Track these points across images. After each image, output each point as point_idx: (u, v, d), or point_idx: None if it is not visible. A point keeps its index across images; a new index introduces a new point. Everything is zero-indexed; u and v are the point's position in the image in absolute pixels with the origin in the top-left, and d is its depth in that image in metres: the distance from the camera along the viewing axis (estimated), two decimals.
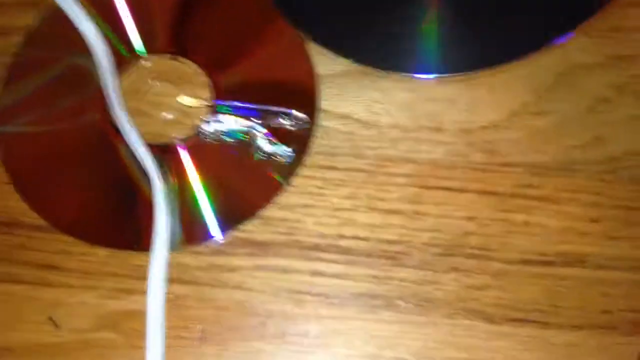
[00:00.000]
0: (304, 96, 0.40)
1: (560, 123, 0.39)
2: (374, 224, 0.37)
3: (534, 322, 0.35)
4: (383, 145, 0.39)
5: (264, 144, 0.38)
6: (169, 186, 0.38)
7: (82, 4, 0.42)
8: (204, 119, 0.39)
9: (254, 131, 0.39)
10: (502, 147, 0.39)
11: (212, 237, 0.37)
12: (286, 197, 0.38)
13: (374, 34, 0.42)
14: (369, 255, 0.36)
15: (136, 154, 0.38)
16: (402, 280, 0.36)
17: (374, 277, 0.36)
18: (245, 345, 0.35)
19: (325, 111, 0.40)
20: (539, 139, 0.39)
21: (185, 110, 0.40)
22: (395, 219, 0.37)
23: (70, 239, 0.37)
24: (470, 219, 0.37)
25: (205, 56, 0.41)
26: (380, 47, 0.41)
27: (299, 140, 0.39)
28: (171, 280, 0.36)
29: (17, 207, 0.38)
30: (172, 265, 0.36)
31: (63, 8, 0.42)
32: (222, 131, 0.39)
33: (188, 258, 0.37)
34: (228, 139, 0.39)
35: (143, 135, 0.38)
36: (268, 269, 0.36)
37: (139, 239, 0.37)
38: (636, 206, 0.37)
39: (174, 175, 0.38)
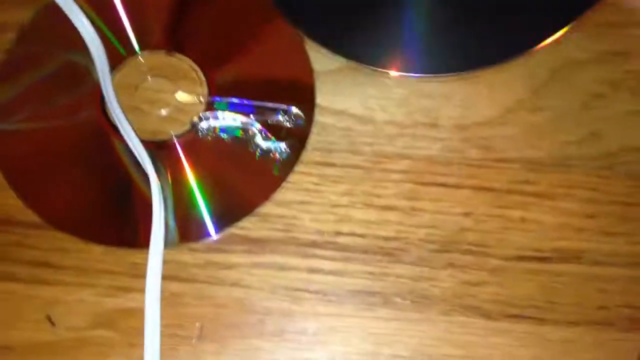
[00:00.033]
0: (301, 93, 0.40)
1: (555, 119, 0.39)
2: (370, 221, 0.37)
3: (530, 318, 0.35)
4: (379, 141, 0.39)
5: (261, 141, 0.38)
6: (165, 183, 0.37)
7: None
8: (200, 115, 0.39)
9: (251, 128, 0.39)
10: (498, 143, 0.39)
11: (209, 234, 0.37)
12: (283, 194, 0.38)
13: (370, 33, 0.42)
14: (365, 251, 0.36)
15: (132, 150, 0.38)
16: (399, 276, 0.36)
17: (371, 273, 0.36)
18: (244, 342, 0.35)
19: (321, 107, 0.40)
20: (534, 135, 0.39)
21: (181, 107, 0.40)
22: (391, 216, 0.37)
23: (66, 236, 0.37)
24: (466, 215, 0.37)
25: (202, 52, 0.41)
26: (376, 46, 0.41)
27: (296, 137, 0.39)
28: (168, 277, 0.36)
29: (12, 204, 0.38)
30: (168, 263, 0.36)
31: (58, 3, 0.42)
32: (218, 127, 0.39)
33: (185, 255, 0.36)
34: (224, 136, 0.39)
35: (139, 132, 0.38)
36: (265, 266, 0.36)
37: (135, 236, 0.37)
38: (632, 202, 0.37)
39: (170, 172, 0.38)
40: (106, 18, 0.42)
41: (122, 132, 0.38)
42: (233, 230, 0.37)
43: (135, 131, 0.38)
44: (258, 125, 0.39)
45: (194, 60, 0.41)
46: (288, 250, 0.37)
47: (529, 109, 0.40)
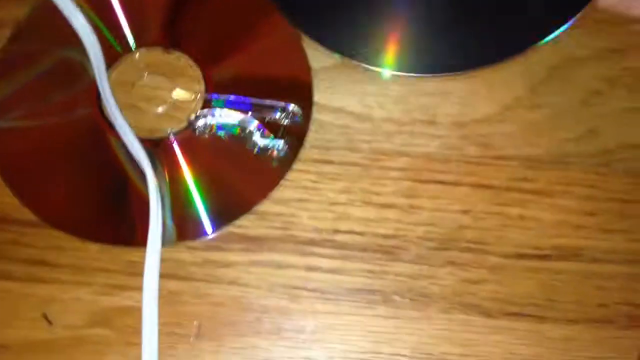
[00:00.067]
0: (299, 90, 0.40)
1: (553, 116, 0.39)
2: (369, 218, 0.37)
3: (530, 316, 0.35)
4: (377, 138, 0.39)
5: (258, 138, 0.38)
6: (162, 181, 0.37)
7: None
8: (198, 112, 0.39)
9: (248, 125, 0.38)
10: (496, 140, 0.39)
11: (206, 232, 0.37)
12: (281, 192, 0.38)
13: (367, 31, 0.41)
14: (364, 249, 0.36)
15: (129, 148, 0.38)
16: (397, 274, 0.36)
17: (370, 271, 0.36)
18: (241, 341, 0.35)
19: (318, 104, 0.40)
20: (532, 132, 0.39)
21: (178, 104, 0.40)
22: (390, 213, 0.37)
23: (62, 234, 0.37)
24: (465, 212, 0.37)
25: (199, 49, 0.41)
26: (373, 45, 0.41)
27: (294, 134, 0.38)
28: (165, 276, 0.36)
29: (8, 202, 0.37)
30: (166, 261, 0.36)
31: (54, 0, 0.41)
32: (215, 125, 0.39)
33: (182, 254, 0.36)
34: (222, 133, 0.39)
35: (135, 130, 0.38)
36: (263, 264, 0.36)
37: (132, 234, 0.36)
38: (630, 199, 0.37)
39: (167, 170, 0.38)
40: (102, 14, 0.41)
41: (118, 129, 0.38)
42: (231, 228, 0.37)
43: (132, 129, 0.38)
44: (256, 123, 0.38)
45: (191, 57, 0.41)
46: (286, 249, 0.36)
47: (527, 107, 0.39)
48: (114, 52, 0.41)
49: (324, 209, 0.37)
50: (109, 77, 0.40)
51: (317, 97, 0.40)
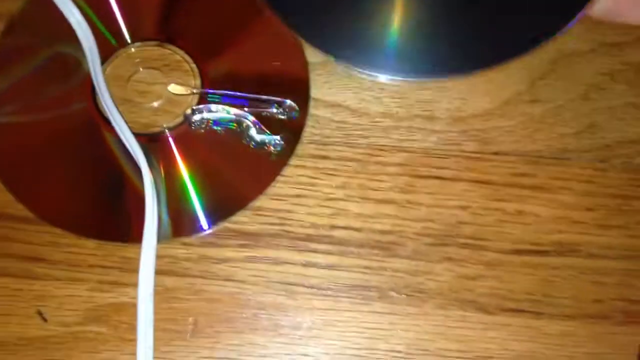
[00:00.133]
0: (296, 85, 0.39)
1: (553, 111, 0.39)
2: (366, 214, 0.37)
3: (526, 312, 0.35)
4: (375, 134, 0.39)
5: (255, 134, 0.38)
6: (157, 176, 0.37)
7: None
8: (193, 107, 0.38)
9: (245, 120, 0.38)
10: (495, 135, 0.38)
11: (202, 228, 0.36)
12: (277, 187, 0.37)
13: (358, 33, 0.41)
14: (361, 245, 0.36)
15: (124, 143, 0.37)
16: (395, 271, 0.36)
17: (367, 267, 0.36)
18: (238, 337, 0.34)
19: (315, 100, 0.39)
20: (532, 127, 0.39)
21: (173, 99, 0.39)
22: (387, 209, 0.37)
23: (57, 230, 0.36)
24: (463, 208, 0.37)
25: (194, 44, 0.40)
26: (367, 47, 0.40)
27: (290, 130, 0.38)
28: (161, 272, 0.35)
29: (3, 198, 0.37)
30: (161, 257, 0.36)
31: None
32: (211, 120, 0.38)
33: (178, 250, 0.36)
34: (218, 128, 0.38)
35: (131, 125, 0.38)
36: (260, 260, 0.36)
37: (127, 230, 0.36)
38: (629, 194, 0.37)
39: (162, 165, 0.37)
40: (97, 8, 0.41)
41: (113, 124, 0.38)
42: (227, 224, 0.37)
43: (127, 124, 0.38)
44: (252, 118, 0.38)
45: (187, 52, 0.40)
46: (283, 244, 0.36)
47: (526, 102, 0.39)
48: (109, 46, 0.40)
49: (320, 205, 0.37)
50: (104, 72, 0.39)
51: (314, 92, 0.40)
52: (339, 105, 0.39)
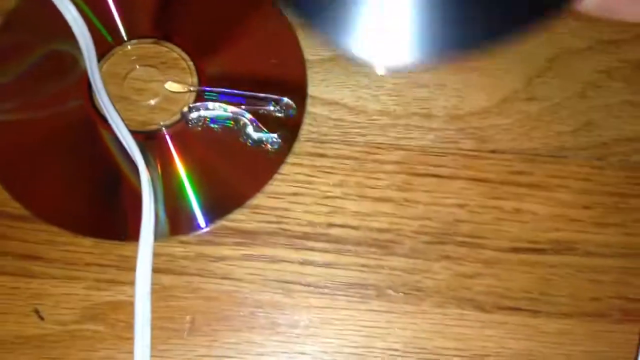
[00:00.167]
0: (293, 83, 0.39)
1: (550, 109, 0.39)
2: (363, 212, 0.37)
3: (524, 310, 0.35)
4: (372, 132, 0.39)
5: (252, 131, 0.38)
6: (154, 174, 0.37)
7: None
8: (190, 105, 0.38)
9: (242, 118, 0.38)
10: (493, 133, 0.38)
11: (199, 226, 0.36)
12: (274, 185, 0.37)
13: (357, 17, 0.41)
14: (358, 243, 0.36)
15: (121, 141, 0.37)
16: (392, 269, 0.36)
17: (364, 266, 0.36)
18: (235, 335, 0.34)
19: (313, 97, 0.39)
20: (529, 125, 0.39)
21: (170, 97, 0.39)
22: (385, 207, 0.37)
23: (54, 228, 0.36)
24: (460, 206, 0.37)
25: (191, 41, 0.40)
26: (363, 33, 0.40)
27: (288, 128, 0.38)
28: (158, 270, 0.35)
29: None
30: (158, 255, 0.36)
31: None
32: (208, 118, 0.38)
33: (175, 248, 0.36)
34: (215, 126, 0.38)
35: (127, 122, 0.38)
36: (257, 258, 0.36)
37: (124, 228, 0.36)
38: (626, 192, 0.37)
39: (159, 163, 0.37)
40: (94, 5, 0.41)
41: (110, 122, 0.38)
42: (224, 222, 0.36)
43: (124, 121, 0.37)
44: (249, 116, 0.38)
45: (184, 50, 0.40)
46: (280, 243, 0.36)
47: (523, 99, 0.39)
48: (106, 43, 0.40)
49: (318, 203, 0.37)
50: (100, 69, 0.39)
51: (311, 89, 0.39)
52: (337, 103, 0.39)
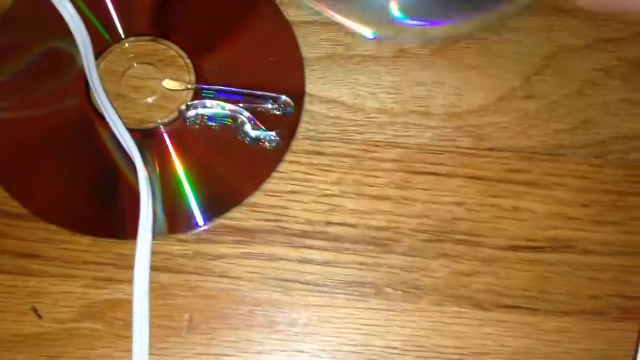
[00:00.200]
0: (291, 81, 0.39)
1: (548, 107, 0.39)
2: (362, 211, 0.37)
3: (523, 308, 0.35)
4: (370, 130, 0.39)
5: (250, 129, 0.38)
6: (152, 172, 0.37)
7: None
8: (188, 103, 0.38)
9: (240, 116, 0.38)
10: (491, 131, 0.38)
11: (198, 224, 0.36)
12: (273, 184, 0.37)
13: None
14: (357, 242, 0.36)
15: (119, 139, 0.37)
16: (391, 267, 0.36)
17: (363, 264, 0.36)
18: (234, 334, 0.34)
19: (311, 95, 0.39)
20: (527, 123, 0.39)
21: (168, 95, 0.39)
22: (383, 205, 0.37)
23: (52, 227, 0.36)
24: (459, 204, 0.37)
25: (189, 39, 0.40)
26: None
27: (286, 126, 0.38)
28: (156, 269, 0.35)
29: None
30: (157, 254, 0.36)
31: None
32: (207, 116, 0.38)
33: (173, 246, 0.36)
34: (213, 124, 0.38)
35: (125, 120, 0.38)
36: (255, 257, 0.36)
37: (122, 227, 0.36)
38: (625, 190, 0.37)
39: (157, 161, 0.37)
40: (91, 3, 0.41)
41: (108, 120, 0.37)
42: (222, 220, 0.36)
43: (121, 119, 0.37)
44: (247, 114, 0.38)
45: (182, 47, 0.40)
46: (278, 241, 0.36)
47: (521, 98, 0.39)
48: (103, 41, 0.40)
49: (316, 201, 0.37)
50: (98, 67, 0.39)
51: (310, 87, 0.39)
52: (335, 101, 0.39)
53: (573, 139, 0.38)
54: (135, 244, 0.35)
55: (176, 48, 0.40)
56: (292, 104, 0.38)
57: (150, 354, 0.34)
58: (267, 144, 0.38)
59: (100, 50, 0.40)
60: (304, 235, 0.36)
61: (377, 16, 0.40)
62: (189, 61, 0.40)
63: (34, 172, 0.37)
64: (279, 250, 0.36)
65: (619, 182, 0.37)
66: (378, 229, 0.36)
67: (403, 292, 0.35)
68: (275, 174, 0.37)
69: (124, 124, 0.37)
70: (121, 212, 0.36)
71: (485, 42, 0.41)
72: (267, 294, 0.35)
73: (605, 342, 0.34)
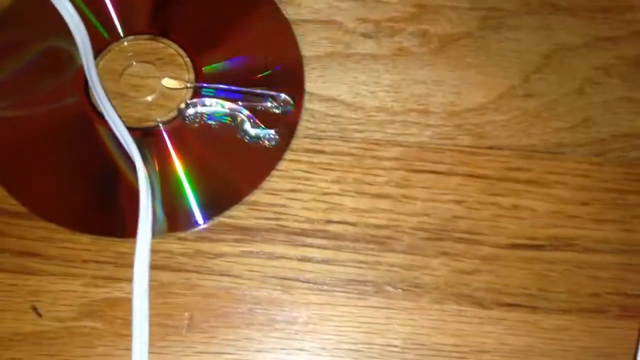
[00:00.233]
0: (290, 79, 0.39)
1: (548, 105, 0.39)
2: (361, 209, 0.37)
3: (523, 306, 0.35)
4: (370, 128, 0.39)
5: (249, 128, 0.38)
6: (152, 171, 0.37)
7: None
8: (187, 101, 0.38)
9: (239, 114, 0.38)
10: (490, 129, 0.38)
11: (197, 223, 0.36)
12: (272, 182, 0.37)
13: None
14: (356, 240, 0.36)
15: (118, 137, 0.37)
16: (390, 265, 0.36)
17: (362, 262, 0.36)
18: (233, 332, 0.34)
19: (310, 94, 0.39)
20: (526, 121, 0.39)
21: (167, 93, 0.39)
22: (383, 204, 0.37)
23: (52, 225, 0.36)
24: (458, 202, 0.37)
25: (188, 38, 0.40)
26: None
27: (285, 124, 0.38)
28: (156, 267, 0.35)
29: None
30: (156, 252, 0.36)
31: None
32: (206, 114, 0.38)
33: (173, 245, 0.36)
34: (212, 123, 0.38)
35: (124, 119, 0.37)
36: (255, 255, 0.36)
37: (121, 225, 0.36)
38: (624, 188, 0.37)
39: (157, 160, 0.37)
40: (90, 2, 0.41)
41: (107, 118, 0.37)
42: (222, 219, 0.36)
43: (120, 118, 0.37)
44: (246, 112, 0.38)
45: (181, 46, 0.40)
46: (278, 239, 0.36)
47: (521, 96, 0.39)
48: (102, 39, 0.40)
49: (316, 199, 0.37)
50: (97, 66, 0.39)
51: (309, 86, 0.39)
52: (334, 100, 0.39)
53: (573, 137, 0.38)
54: (134, 243, 0.35)
55: (175, 46, 0.40)
56: (292, 102, 0.38)
57: (150, 352, 0.34)
58: (266, 142, 0.38)
59: (99, 49, 0.40)
60: (304, 233, 0.36)
61: None
62: (187, 59, 0.40)
63: (33, 170, 0.37)
64: (279, 249, 0.36)
65: (618, 180, 0.37)
66: (378, 227, 0.36)
67: (403, 290, 0.35)
68: (274, 172, 0.37)
69: (123, 122, 0.37)
70: (120, 210, 0.36)
71: (484, 40, 0.41)
72: (266, 292, 0.35)
73: (605, 339, 0.34)
